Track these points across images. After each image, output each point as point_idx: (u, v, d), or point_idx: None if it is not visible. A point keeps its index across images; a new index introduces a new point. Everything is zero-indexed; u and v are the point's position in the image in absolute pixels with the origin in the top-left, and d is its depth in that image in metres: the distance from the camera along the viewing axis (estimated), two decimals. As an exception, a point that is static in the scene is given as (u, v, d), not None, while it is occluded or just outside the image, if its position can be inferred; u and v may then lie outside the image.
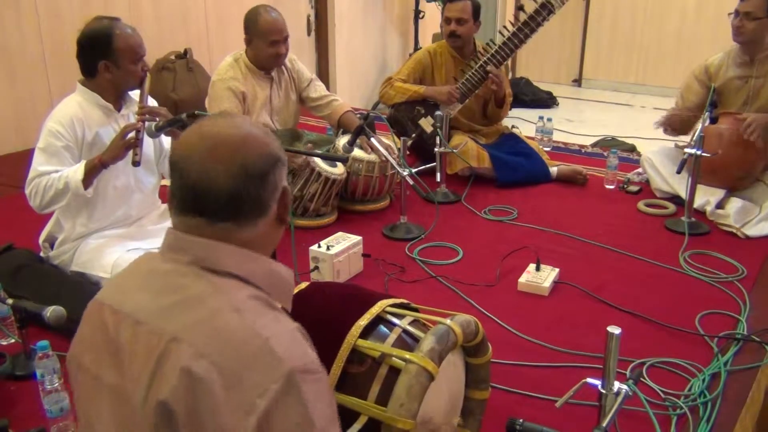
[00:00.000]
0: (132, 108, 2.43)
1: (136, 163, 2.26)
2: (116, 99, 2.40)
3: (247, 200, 1.01)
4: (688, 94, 3.55)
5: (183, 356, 0.92)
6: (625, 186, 3.69)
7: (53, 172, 2.27)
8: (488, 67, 3.64)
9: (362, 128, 2.92)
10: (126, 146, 2.25)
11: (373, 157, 3.21)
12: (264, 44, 3.12)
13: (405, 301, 1.64)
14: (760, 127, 3.17)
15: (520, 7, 3.61)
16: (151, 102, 2.48)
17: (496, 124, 4.01)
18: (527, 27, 3.59)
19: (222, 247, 1.01)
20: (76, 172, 2.25)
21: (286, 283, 1.10)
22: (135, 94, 2.44)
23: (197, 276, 1.00)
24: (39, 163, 2.28)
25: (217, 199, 1.00)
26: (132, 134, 2.25)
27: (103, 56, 2.28)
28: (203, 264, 1.00)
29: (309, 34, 5.76)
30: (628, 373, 2.09)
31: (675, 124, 3.55)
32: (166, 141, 2.55)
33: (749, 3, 3.21)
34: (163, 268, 1.03)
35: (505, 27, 3.69)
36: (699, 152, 2.99)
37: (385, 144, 3.14)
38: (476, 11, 3.75)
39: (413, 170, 2.97)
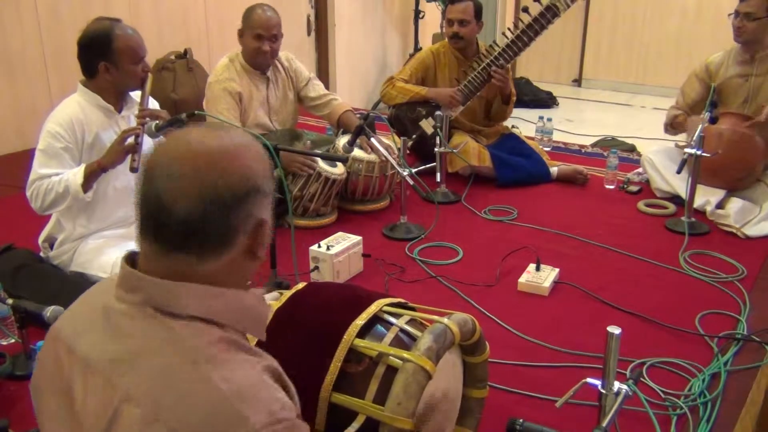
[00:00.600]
0: (133, 109, 2.44)
1: (134, 170, 2.27)
2: (117, 100, 2.40)
3: (208, 228, 0.88)
4: (688, 92, 3.56)
5: (135, 422, 0.84)
6: (625, 186, 3.69)
7: (53, 174, 2.27)
8: (492, 70, 3.63)
9: (362, 128, 2.92)
10: (125, 151, 2.25)
11: (373, 157, 3.21)
12: (250, 37, 3.13)
13: (402, 300, 1.64)
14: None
15: (524, 9, 3.61)
16: (152, 103, 2.48)
17: (499, 123, 4.01)
18: (531, 29, 3.58)
19: (179, 288, 0.89)
20: (75, 176, 2.25)
21: (257, 313, 0.99)
22: (136, 95, 2.44)
23: (152, 320, 0.89)
24: (39, 165, 2.29)
25: (175, 220, 0.87)
26: (131, 139, 2.25)
27: (103, 57, 2.28)
28: (158, 306, 0.89)
29: (309, 34, 5.76)
30: (628, 373, 2.09)
31: (679, 127, 3.55)
32: None
33: (749, 3, 3.22)
34: (117, 307, 0.92)
35: (509, 29, 3.69)
36: (699, 152, 2.99)
37: (385, 144, 3.14)
38: (478, 12, 3.75)
39: (413, 170, 2.97)
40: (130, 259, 0.96)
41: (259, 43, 3.12)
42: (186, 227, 0.88)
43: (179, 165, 0.89)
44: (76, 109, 2.33)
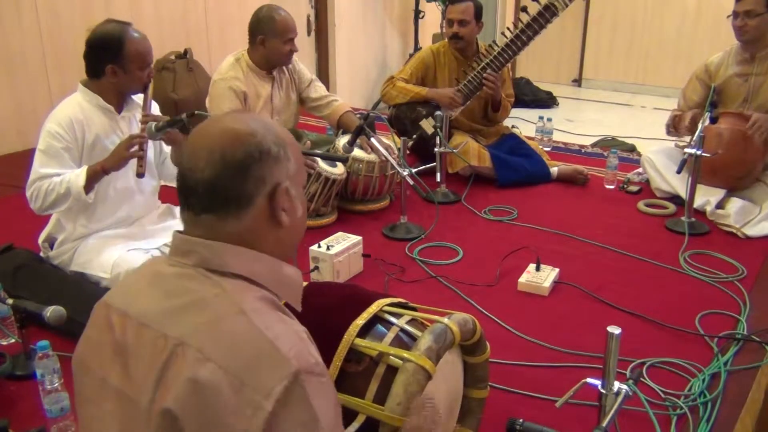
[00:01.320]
0: (133, 110, 2.44)
1: (140, 175, 2.27)
2: (117, 101, 2.40)
3: (225, 190, 0.99)
4: (690, 94, 3.56)
5: (189, 361, 0.92)
6: (625, 186, 3.69)
7: (54, 174, 2.27)
8: (484, 74, 3.63)
9: (362, 128, 2.92)
10: (130, 156, 2.26)
11: (373, 157, 3.21)
12: (280, 42, 3.13)
13: (403, 300, 1.64)
14: (764, 128, 3.18)
15: (523, 9, 3.61)
16: (154, 108, 2.48)
17: (494, 125, 4.01)
18: (530, 29, 3.58)
19: (227, 248, 1.00)
20: (77, 177, 2.25)
21: (294, 282, 1.09)
22: (137, 97, 2.43)
23: (203, 278, 0.99)
24: (39, 165, 2.28)
25: (196, 187, 0.99)
26: (136, 147, 2.26)
27: (112, 60, 2.28)
28: (209, 266, 1.00)
29: (309, 34, 5.76)
30: (628, 373, 2.09)
31: (679, 125, 3.55)
32: (167, 147, 2.55)
33: (747, 1, 3.21)
34: (170, 270, 1.02)
35: (508, 29, 3.69)
36: (699, 152, 2.99)
37: (385, 144, 3.14)
38: (478, 12, 3.75)
39: (413, 170, 2.97)
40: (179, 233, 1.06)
41: (291, 46, 3.16)
42: (205, 190, 0.99)
43: (199, 141, 1.02)
44: (76, 110, 2.33)
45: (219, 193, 0.99)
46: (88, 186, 2.26)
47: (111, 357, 1.01)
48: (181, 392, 0.91)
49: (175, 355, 0.94)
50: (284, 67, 3.35)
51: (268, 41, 3.15)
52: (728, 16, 3.34)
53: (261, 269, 1.03)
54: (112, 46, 2.27)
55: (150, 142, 2.36)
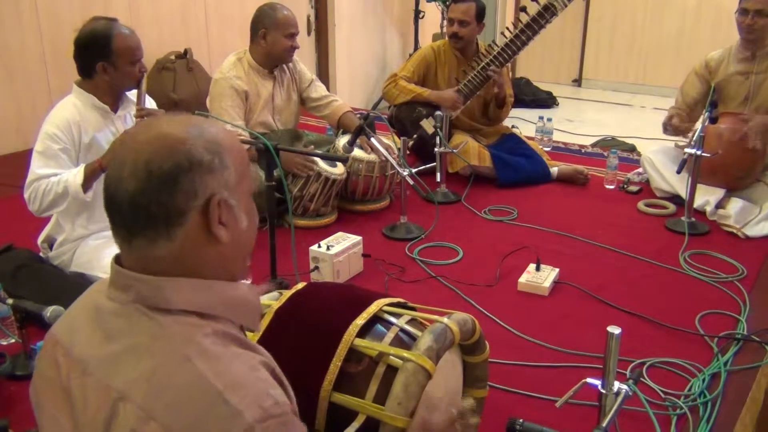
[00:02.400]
0: (129, 109, 2.43)
1: None
2: (113, 100, 2.40)
3: (149, 206, 0.88)
4: (688, 90, 3.55)
5: (130, 420, 0.85)
6: (625, 186, 3.69)
7: (52, 175, 2.26)
8: (490, 70, 3.64)
9: (362, 128, 2.92)
10: None
11: (373, 157, 3.21)
12: (282, 36, 3.15)
13: (402, 300, 1.64)
14: (760, 135, 3.17)
15: (522, 9, 3.61)
16: (149, 102, 2.48)
17: (497, 124, 4.01)
18: (530, 29, 3.59)
19: (166, 283, 0.90)
20: (75, 176, 2.24)
21: (250, 304, 0.99)
22: (132, 94, 2.43)
23: (143, 317, 0.89)
24: (37, 167, 2.28)
25: (121, 203, 0.89)
26: None
27: (101, 57, 2.27)
28: (149, 303, 0.90)
29: (309, 34, 5.76)
30: (628, 373, 2.09)
31: (675, 130, 3.54)
32: None
33: (758, 0, 3.20)
34: (109, 306, 0.93)
35: (507, 29, 3.69)
36: (699, 152, 2.99)
37: (385, 144, 3.14)
38: (480, 13, 3.75)
39: (413, 170, 2.97)
40: (119, 259, 0.96)
41: (292, 41, 3.18)
42: (129, 206, 0.88)
43: (125, 148, 0.91)
44: (73, 111, 2.33)
45: (144, 209, 0.88)
46: (86, 184, 2.25)
47: (61, 399, 0.95)
48: None
49: (117, 410, 0.86)
50: (285, 67, 3.36)
51: (269, 35, 3.16)
52: (735, 12, 3.32)
53: (208, 299, 0.92)
54: (100, 44, 2.26)
55: None
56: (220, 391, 0.83)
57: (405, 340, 1.48)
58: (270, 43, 3.18)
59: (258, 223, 1.05)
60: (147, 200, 0.87)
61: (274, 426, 0.85)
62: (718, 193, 3.33)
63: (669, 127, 3.59)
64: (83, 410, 0.91)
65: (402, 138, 3.22)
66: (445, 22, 3.83)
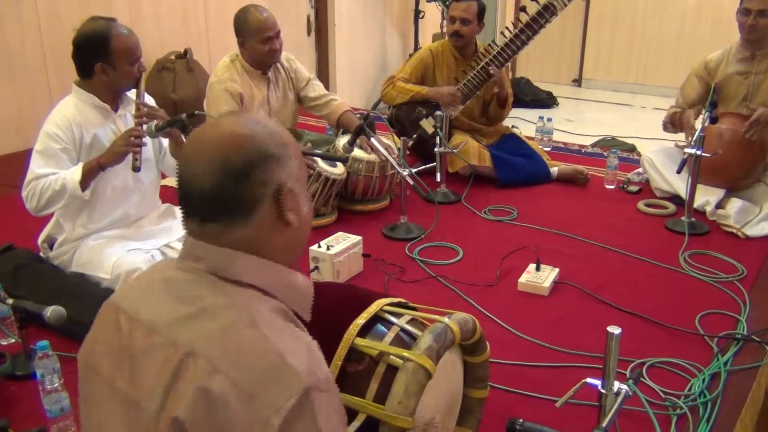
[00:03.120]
0: (129, 108, 2.43)
1: (136, 169, 2.26)
2: (113, 99, 2.40)
3: (229, 198, 0.96)
4: (688, 91, 3.56)
5: (199, 372, 0.90)
6: (625, 186, 3.69)
7: (51, 174, 2.26)
8: (491, 69, 3.64)
9: (362, 128, 2.92)
10: (127, 151, 2.25)
11: (373, 157, 3.21)
12: (257, 42, 3.11)
13: (403, 300, 1.65)
14: (760, 125, 3.18)
15: (522, 9, 3.61)
16: (149, 100, 2.47)
17: (497, 124, 4.01)
18: (530, 28, 3.59)
19: (239, 257, 0.98)
20: (73, 173, 2.24)
21: (305, 292, 1.07)
22: (132, 93, 2.43)
23: (214, 286, 0.97)
24: (36, 166, 2.27)
25: (201, 197, 0.97)
26: (133, 141, 2.25)
27: (100, 58, 2.26)
28: (221, 273, 0.98)
29: (309, 34, 5.76)
30: (628, 373, 2.09)
31: (678, 123, 3.54)
32: (165, 139, 2.55)
33: (761, 1, 3.19)
34: (181, 276, 1.00)
35: (507, 28, 3.69)
36: (699, 152, 2.99)
37: (385, 144, 3.14)
38: (481, 12, 3.75)
39: (413, 170, 2.97)
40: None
41: (269, 44, 3.12)
42: (207, 199, 0.97)
43: (196, 148, 0.99)
44: (73, 111, 2.32)
45: (222, 202, 0.97)
46: (85, 182, 2.25)
47: (118, 361, 1.00)
48: (191, 402, 0.90)
49: (185, 364, 0.92)
50: (280, 67, 3.35)
51: (246, 42, 3.14)
52: (737, 12, 3.32)
53: (272, 279, 1.01)
54: (99, 45, 2.25)
55: (148, 138, 2.35)
56: (283, 353, 0.90)
57: (405, 340, 1.49)
58: (249, 50, 3.15)
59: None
60: (224, 193, 0.96)
61: (324, 398, 0.91)
62: (718, 193, 3.34)
63: (669, 126, 3.59)
64: (145, 368, 0.96)
65: (402, 138, 3.22)
66: (445, 22, 3.83)
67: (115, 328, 1.02)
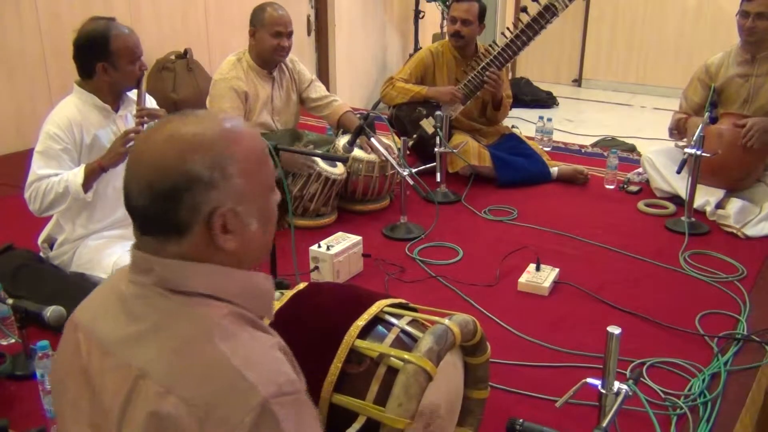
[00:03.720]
0: (130, 108, 2.43)
1: None
2: (114, 100, 2.40)
3: (159, 218, 0.93)
4: (691, 96, 3.55)
5: (150, 395, 0.88)
6: (625, 186, 3.69)
7: (52, 175, 2.26)
8: (487, 72, 3.64)
9: (362, 128, 2.92)
10: (126, 151, 2.25)
11: (373, 157, 3.21)
12: (267, 34, 3.13)
13: (403, 301, 1.64)
14: (759, 133, 3.18)
15: (523, 9, 3.61)
16: (150, 101, 2.47)
17: (494, 124, 4.01)
18: (530, 29, 3.59)
19: (187, 266, 0.94)
20: (75, 175, 2.24)
21: (265, 293, 1.03)
22: (133, 93, 2.43)
23: (164, 299, 0.94)
24: (38, 167, 2.28)
25: (135, 212, 0.95)
26: (132, 143, 2.25)
27: (100, 58, 2.27)
28: (169, 285, 0.94)
29: (309, 34, 5.76)
30: (628, 373, 2.09)
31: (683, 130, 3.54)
32: None
33: (760, 2, 3.19)
34: (131, 290, 0.97)
35: (508, 29, 3.69)
36: (699, 152, 2.99)
37: (385, 144, 3.14)
38: (482, 13, 3.75)
39: (413, 170, 2.97)
40: (139, 246, 1.01)
41: (279, 40, 3.15)
42: (141, 216, 0.95)
43: (132, 165, 0.96)
44: (74, 111, 2.32)
45: (153, 221, 0.94)
46: (87, 184, 2.25)
47: (81, 381, 0.99)
48: (143, 427, 0.88)
49: (138, 386, 0.90)
50: (285, 68, 3.35)
51: (257, 33, 3.17)
52: (736, 14, 3.32)
53: (225, 284, 0.96)
54: (99, 45, 2.25)
55: None
56: (237, 367, 0.87)
57: (406, 342, 1.48)
58: (258, 41, 3.17)
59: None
60: (154, 213, 0.93)
61: (288, 402, 0.88)
62: (718, 193, 3.33)
63: (675, 132, 3.58)
64: (102, 390, 0.95)
65: (402, 138, 3.22)
66: (445, 22, 3.83)
67: (75, 347, 1.01)
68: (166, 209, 0.92)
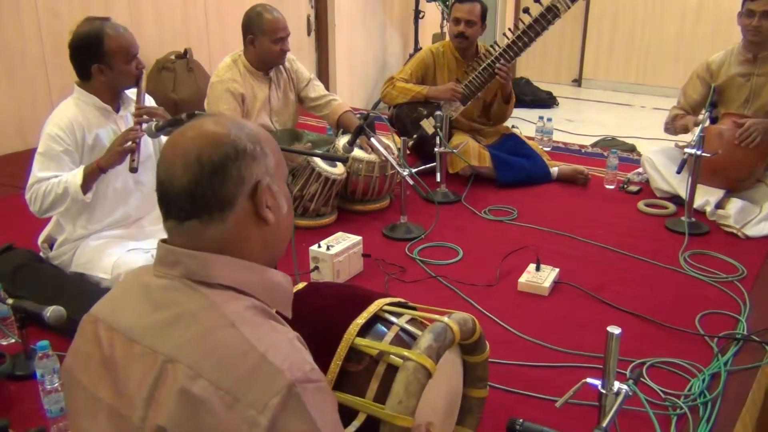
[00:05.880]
0: (130, 108, 2.43)
1: (133, 170, 2.26)
2: (113, 100, 2.39)
3: (204, 194, 0.97)
4: (690, 92, 3.55)
5: (179, 378, 0.91)
6: (625, 186, 3.69)
7: (53, 176, 2.26)
8: (497, 65, 3.63)
9: (362, 128, 2.92)
10: (124, 152, 2.25)
11: (373, 157, 3.21)
12: (269, 41, 3.13)
13: (402, 300, 1.65)
14: (759, 133, 3.18)
15: (525, 10, 3.61)
16: (149, 100, 2.47)
17: (500, 123, 4.01)
18: (532, 30, 3.59)
19: (213, 259, 0.98)
20: (75, 176, 2.24)
21: (284, 290, 1.07)
22: (132, 93, 2.43)
23: (190, 290, 0.97)
24: (39, 169, 2.28)
25: (177, 195, 0.98)
26: (130, 143, 2.25)
27: (95, 59, 2.26)
28: (195, 277, 0.98)
29: (309, 34, 5.77)
30: (628, 373, 2.09)
31: (680, 127, 3.54)
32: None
33: (765, 2, 3.18)
34: (156, 282, 1.00)
35: (509, 29, 3.69)
36: (699, 152, 2.99)
37: (385, 144, 3.14)
38: (484, 14, 3.75)
39: (413, 170, 2.97)
40: (163, 242, 1.05)
41: (281, 45, 3.15)
42: (184, 196, 0.97)
43: (173, 148, 1.00)
44: (75, 112, 2.32)
45: (199, 198, 0.97)
46: (86, 185, 2.25)
47: (100, 372, 1.00)
48: (173, 409, 0.90)
49: (166, 371, 0.93)
50: (282, 67, 3.35)
51: (257, 41, 3.15)
52: (740, 13, 3.31)
53: (249, 278, 1.01)
54: (93, 46, 2.25)
55: (146, 139, 2.35)
56: (263, 352, 0.90)
57: (405, 340, 1.49)
58: (259, 48, 3.17)
59: None
60: (202, 189, 0.97)
61: (313, 389, 0.91)
62: (718, 193, 3.33)
63: (671, 127, 3.59)
64: (126, 378, 0.97)
65: (402, 138, 3.22)
66: (446, 22, 3.83)
67: (94, 340, 1.02)
68: (212, 183, 0.96)
